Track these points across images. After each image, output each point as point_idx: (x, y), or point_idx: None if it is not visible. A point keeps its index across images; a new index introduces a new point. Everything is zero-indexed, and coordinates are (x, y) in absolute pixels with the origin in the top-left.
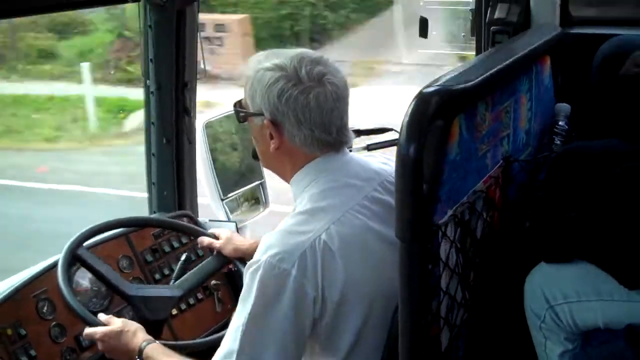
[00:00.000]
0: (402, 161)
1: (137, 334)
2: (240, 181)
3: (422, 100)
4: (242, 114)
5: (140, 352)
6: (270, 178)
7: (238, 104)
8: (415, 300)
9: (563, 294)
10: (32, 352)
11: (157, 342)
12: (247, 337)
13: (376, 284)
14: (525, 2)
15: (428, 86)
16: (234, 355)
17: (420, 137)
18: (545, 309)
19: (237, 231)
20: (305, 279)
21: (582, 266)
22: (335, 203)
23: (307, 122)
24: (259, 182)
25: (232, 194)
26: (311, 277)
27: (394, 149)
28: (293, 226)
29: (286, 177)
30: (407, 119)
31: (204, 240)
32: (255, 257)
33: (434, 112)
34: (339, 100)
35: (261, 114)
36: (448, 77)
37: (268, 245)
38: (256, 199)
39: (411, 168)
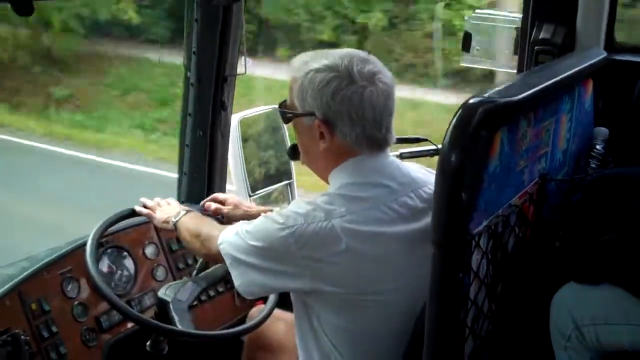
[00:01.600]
0: (444, 168)
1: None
2: (269, 180)
3: (468, 111)
4: (289, 115)
5: (180, 215)
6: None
7: (284, 105)
8: (444, 307)
9: (591, 316)
10: (54, 329)
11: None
12: (241, 246)
13: (386, 284)
14: (571, 25)
15: (474, 97)
16: (239, 237)
17: (464, 146)
18: (572, 329)
19: None
20: (295, 243)
21: (612, 290)
22: (362, 196)
23: (360, 120)
24: (288, 182)
25: (260, 192)
26: (301, 242)
27: (425, 160)
28: (316, 200)
29: (325, 175)
30: (451, 127)
31: (211, 205)
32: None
33: (479, 123)
34: (389, 99)
35: (312, 114)
36: (493, 90)
37: (293, 203)
38: (283, 199)
39: (452, 175)
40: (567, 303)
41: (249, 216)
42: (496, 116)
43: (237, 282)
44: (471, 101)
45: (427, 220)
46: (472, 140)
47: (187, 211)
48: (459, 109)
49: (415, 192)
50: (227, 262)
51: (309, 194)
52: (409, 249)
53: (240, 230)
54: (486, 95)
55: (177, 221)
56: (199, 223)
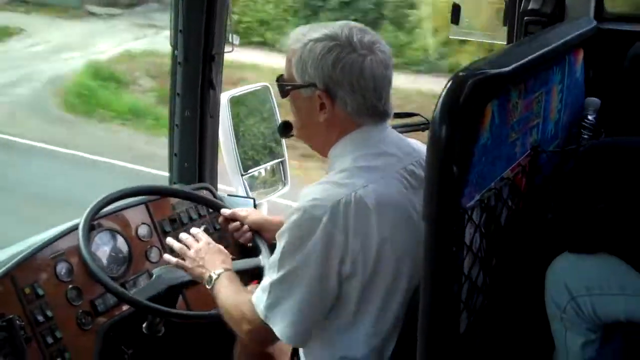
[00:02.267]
0: (434, 141)
1: (227, 260)
2: (261, 158)
3: (457, 83)
4: (288, 88)
5: (219, 274)
6: None
7: (281, 79)
8: (437, 282)
9: (586, 286)
10: (49, 313)
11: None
12: (278, 273)
13: (407, 250)
14: None
15: (463, 69)
16: (267, 290)
17: (454, 118)
18: (567, 299)
19: (255, 207)
20: (336, 228)
21: (608, 259)
22: (377, 165)
23: (360, 89)
24: (280, 160)
25: (252, 170)
26: (342, 227)
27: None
28: (332, 179)
29: (325, 148)
30: (441, 100)
31: (226, 211)
32: (295, 205)
33: (468, 95)
34: (388, 69)
35: (312, 85)
36: (483, 62)
37: (306, 194)
38: (276, 177)
39: (443, 149)
40: (562, 273)
41: (262, 222)
42: (486, 88)
43: (285, 333)
44: (461, 73)
45: None
46: (462, 112)
47: (225, 269)
48: (449, 80)
49: (418, 161)
50: (268, 317)
51: None
52: (415, 217)
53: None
54: (476, 66)
55: (215, 283)
56: (238, 290)
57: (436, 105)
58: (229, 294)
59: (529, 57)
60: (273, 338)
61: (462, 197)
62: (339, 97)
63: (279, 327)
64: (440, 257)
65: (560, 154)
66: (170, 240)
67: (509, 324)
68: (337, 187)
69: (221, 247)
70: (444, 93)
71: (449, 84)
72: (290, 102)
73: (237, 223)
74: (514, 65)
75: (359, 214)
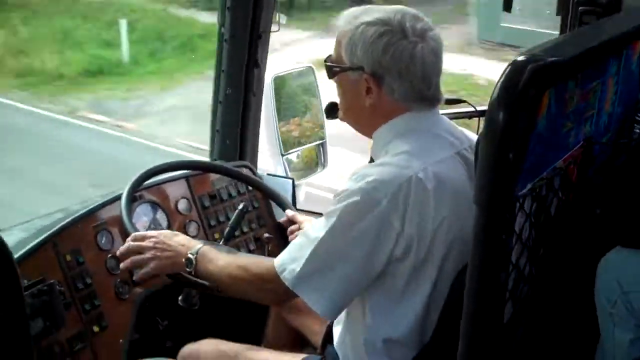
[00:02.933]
0: (491, 128)
1: (191, 239)
2: (301, 139)
3: (516, 69)
4: (335, 69)
5: (197, 250)
6: None
7: (329, 59)
8: (485, 269)
9: (637, 281)
10: (88, 280)
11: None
12: (321, 247)
13: (460, 232)
14: None
15: (521, 56)
16: (303, 258)
17: (512, 104)
18: (618, 294)
19: (293, 188)
20: (394, 212)
21: None
22: (432, 149)
23: (409, 76)
24: (320, 142)
25: (292, 151)
26: (401, 211)
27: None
28: (391, 160)
29: (369, 131)
30: (499, 86)
31: (289, 212)
32: (346, 185)
33: (527, 82)
34: (438, 57)
35: (360, 68)
36: (541, 48)
37: (363, 174)
38: (315, 158)
39: (500, 135)
40: (614, 268)
41: None
42: (545, 75)
43: (319, 306)
44: (519, 59)
45: None
46: (520, 99)
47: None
48: (508, 66)
49: (470, 147)
50: (301, 287)
51: None
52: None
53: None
54: (534, 53)
55: (197, 260)
56: (230, 254)
57: (493, 91)
58: (228, 260)
59: (587, 47)
60: (290, 297)
61: (515, 185)
62: (386, 83)
63: (313, 298)
64: (490, 244)
65: (612, 146)
66: (120, 250)
67: (553, 316)
68: (397, 169)
69: (175, 231)
70: (502, 78)
71: (507, 70)
72: (336, 83)
73: (296, 225)
74: (572, 55)
75: (418, 198)
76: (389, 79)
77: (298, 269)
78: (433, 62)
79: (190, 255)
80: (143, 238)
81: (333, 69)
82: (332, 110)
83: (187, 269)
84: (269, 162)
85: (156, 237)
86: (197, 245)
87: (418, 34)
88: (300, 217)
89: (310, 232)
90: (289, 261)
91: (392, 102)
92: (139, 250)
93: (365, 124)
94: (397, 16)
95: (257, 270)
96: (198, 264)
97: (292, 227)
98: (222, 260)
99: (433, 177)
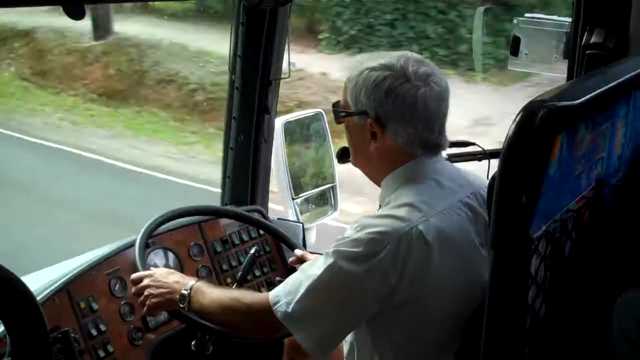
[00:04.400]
0: (505, 171)
1: (185, 276)
2: (312, 183)
3: (529, 114)
4: (342, 114)
5: (191, 286)
6: None
7: (337, 105)
8: (502, 312)
9: None
10: (102, 327)
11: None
12: (316, 285)
13: (460, 281)
14: (623, 29)
15: (534, 100)
16: (297, 295)
17: (525, 148)
18: (638, 334)
19: (304, 232)
20: (392, 267)
21: None
22: (434, 199)
23: (412, 121)
24: (331, 185)
25: (303, 195)
26: (399, 268)
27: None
28: (391, 211)
29: (378, 177)
30: (512, 130)
31: (299, 251)
32: (347, 233)
33: (539, 126)
34: (442, 102)
35: (364, 113)
36: (552, 93)
37: (364, 225)
38: (326, 202)
39: (514, 179)
40: (632, 308)
41: None
42: (557, 120)
43: (308, 342)
44: (532, 104)
45: (483, 223)
46: (533, 143)
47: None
48: (520, 111)
49: (474, 194)
50: (292, 322)
51: None
52: (474, 249)
53: (302, 276)
54: (546, 98)
55: (191, 296)
56: (225, 289)
57: (507, 136)
58: (219, 295)
59: (598, 91)
60: (278, 330)
61: (530, 228)
62: (390, 128)
63: (302, 334)
64: (506, 286)
65: (623, 188)
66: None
67: (569, 358)
68: (397, 221)
69: (170, 269)
70: (515, 123)
71: (520, 115)
72: (345, 128)
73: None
74: (582, 99)
75: (419, 252)
76: (392, 124)
77: (292, 303)
78: (437, 107)
79: (184, 291)
80: (140, 279)
81: (340, 113)
82: (343, 155)
83: (182, 305)
84: (281, 205)
85: (151, 276)
86: (191, 281)
87: (421, 79)
88: (310, 255)
89: (308, 269)
90: (284, 295)
91: (397, 147)
92: (139, 292)
93: (374, 170)
94: (400, 61)
95: (249, 301)
96: (192, 299)
97: (304, 254)
98: (215, 293)
99: (434, 230)
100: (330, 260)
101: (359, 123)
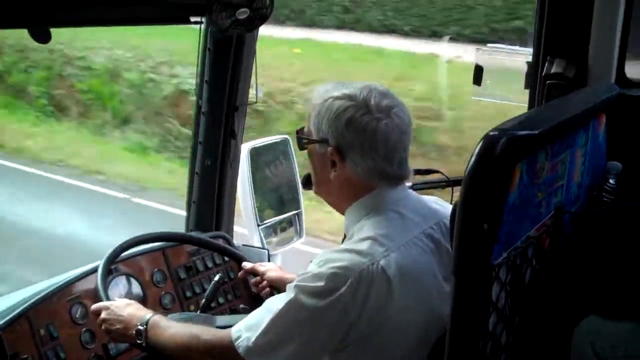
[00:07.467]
0: (467, 199)
1: (142, 308)
2: (277, 209)
3: (490, 143)
4: (304, 141)
5: (147, 321)
6: None
7: (301, 132)
8: (463, 338)
9: (612, 347)
10: (62, 355)
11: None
12: (278, 320)
13: (421, 314)
14: (582, 60)
15: (495, 130)
16: (258, 330)
17: (485, 177)
18: None
19: (269, 259)
20: (352, 302)
21: (634, 323)
22: (395, 233)
23: (371, 152)
24: (296, 212)
25: (268, 221)
26: (360, 303)
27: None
28: (353, 246)
29: (340, 206)
30: (473, 158)
31: (247, 264)
32: (310, 267)
33: (500, 155)
34: (404, 134)
35: (325, 141)
36: (512, 123)
37: (326, 259)
38: (291, 229)
39: (474, 206)
40: (589, 335)
41: (286, 279)
42: (517, 148)
43: None
44: (492, 133)
45: (446, 255)
46: (494, 171)
47: (150, 314)
48: (480, 140)
49: (437, 224)
50: (253, 356)
51: None
52: (435, 281)
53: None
54: (506, 127)
55: (148, 330)
56: (183, 324)
57: (468, 164)
58: (178, 331)
59: (557, 121)
60: None
61: (491, 254)
62: (350, 158)
63: None
64: (468, 313)
65: (582, 216)
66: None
67: None
68: (358, 257)
69: (129, 300)
70: (475, 152)
71: (480, 144)
72: (308, 155)
73: (258, 277)
74: (542, 128)
75: (380, 287)
76: (352, 154)
77: (253, 338)
78: (397, 139)
79: (140, 327)
80: (99, 310)
81: (302, 140)
82: (308, 182)
83: (139, 341)
84: (247, 232)
85: (108, 309)
86: (147, 315)
87: (382, 110)
88: (261, 267)
89: (271, 304)
90: (245, 330)
91: (357, 178)
92: (99, 324)
93: (336, 200)
94: (363, 92)
95: (208, 338)
96: (148, 334)
97: (255, 279)
98: (173, 329)
99: (395, 265)
100: (292, 295)
101: (320, 151)
